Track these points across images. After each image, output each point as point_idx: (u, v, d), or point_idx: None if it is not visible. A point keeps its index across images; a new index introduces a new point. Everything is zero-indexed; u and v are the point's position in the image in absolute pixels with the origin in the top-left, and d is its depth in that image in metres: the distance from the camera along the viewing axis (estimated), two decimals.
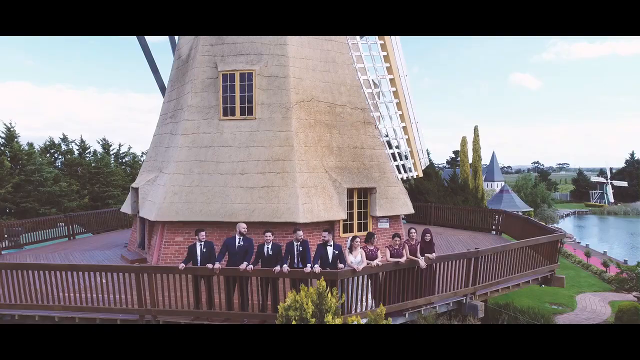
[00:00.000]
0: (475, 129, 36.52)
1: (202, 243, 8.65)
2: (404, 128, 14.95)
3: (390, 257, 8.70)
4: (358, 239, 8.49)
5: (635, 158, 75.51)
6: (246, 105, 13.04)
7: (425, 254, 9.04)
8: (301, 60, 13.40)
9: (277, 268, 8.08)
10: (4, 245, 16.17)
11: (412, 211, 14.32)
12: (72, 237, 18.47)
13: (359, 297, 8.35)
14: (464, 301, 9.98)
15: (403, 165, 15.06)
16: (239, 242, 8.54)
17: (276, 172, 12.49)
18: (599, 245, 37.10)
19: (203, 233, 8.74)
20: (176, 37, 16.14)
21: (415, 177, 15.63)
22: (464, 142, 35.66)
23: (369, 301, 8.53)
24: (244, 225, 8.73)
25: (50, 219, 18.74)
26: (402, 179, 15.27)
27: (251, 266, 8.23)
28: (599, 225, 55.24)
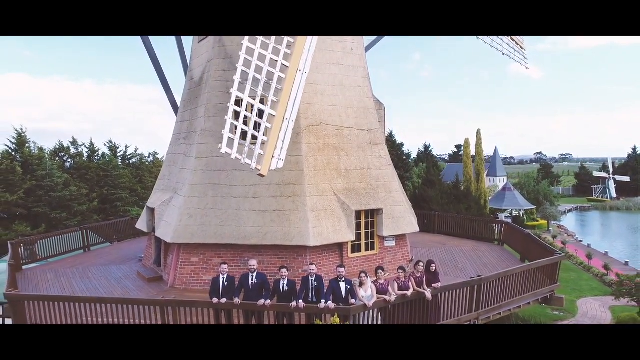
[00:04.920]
0: (478, 133, 36.85)
1: (225, 276, 9.26)
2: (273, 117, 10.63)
3: (398, 289, 9.27)
4: (363, 274, 9.07)
5: (638, 152, 75.75)
6: None
7: (432, 285, 9.61)
8: (310, 86, 13.82)
9: (294, 304, 8.71)
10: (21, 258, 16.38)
11: (417, 230, 14.87)
12: (87, 249, 18.94)
13: None
14: None
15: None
16: (252, 280, 9.22)
17: (287, 196, 13.01)
18: (601, 243, 37.54)
19: (225, 266, 9.38)
20: (188, 59, 16.54)
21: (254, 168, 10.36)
22: (466, 144, 36.04)
23: None
24: (254, 262, 9.40)
25: (68, 232, 19.00)
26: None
27: (269, 301, 8.85)
28: (600, 221, 55.64)
